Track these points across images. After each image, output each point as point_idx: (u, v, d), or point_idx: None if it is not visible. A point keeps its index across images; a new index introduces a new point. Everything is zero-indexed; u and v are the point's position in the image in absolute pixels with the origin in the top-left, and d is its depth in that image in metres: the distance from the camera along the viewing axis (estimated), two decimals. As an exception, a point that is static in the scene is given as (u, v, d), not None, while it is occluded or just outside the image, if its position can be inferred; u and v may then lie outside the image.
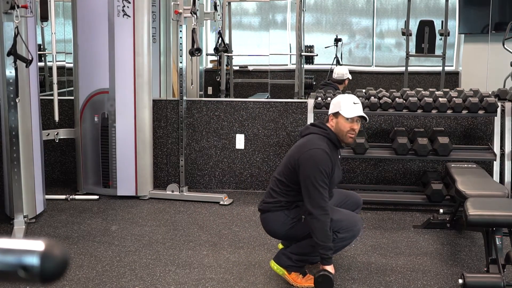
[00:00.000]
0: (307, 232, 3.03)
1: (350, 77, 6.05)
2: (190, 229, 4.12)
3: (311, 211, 2.91)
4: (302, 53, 7.00)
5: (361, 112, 3.05)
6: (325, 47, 7.42)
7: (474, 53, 7.08)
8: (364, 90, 4.90)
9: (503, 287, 2.77)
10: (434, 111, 4.52)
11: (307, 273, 3.18)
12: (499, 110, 4.53)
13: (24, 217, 4.06)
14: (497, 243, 2.97)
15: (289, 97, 6.80)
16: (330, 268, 2.93)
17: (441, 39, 6.93)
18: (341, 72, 6.06)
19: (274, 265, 3.19)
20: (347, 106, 3.03)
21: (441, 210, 4.17)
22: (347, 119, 3.03)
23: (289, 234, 3.13)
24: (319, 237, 2.91)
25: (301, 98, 6.45)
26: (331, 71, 5.91)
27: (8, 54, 3.76)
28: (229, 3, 7.39)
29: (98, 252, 3.65)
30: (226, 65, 7.39)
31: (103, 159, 4.89)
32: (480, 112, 4.50)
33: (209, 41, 7.98)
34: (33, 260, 0.76)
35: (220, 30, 5.31)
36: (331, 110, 3.09)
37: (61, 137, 5.08)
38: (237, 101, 5.17)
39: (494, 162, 4.55)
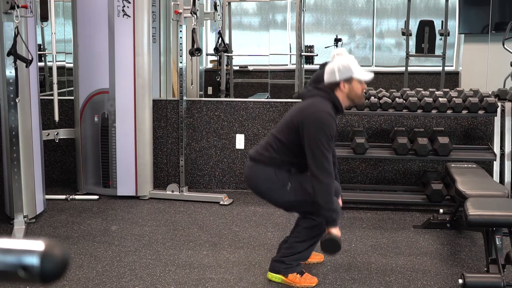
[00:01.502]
0: (283, 201, 3.04)
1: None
2: (190, 229, 4.12)
3: (315, 173, 2.89)
4: (302, 53, 6.99)
5: (371, 73, 3.04)
6: (325, 47, 7.42)
7: (474, 53, 7.08)
8: (364, 90, 4.89)
9: (503, 287, 2.77)
10: (434, 111, 4.52)
11: (304, 272, 3.19)
12: (499, 110, 4.53)
13: (24, 217, 4.06)
14: (497, 243, 2.97)
15: (289, 97, 6.79)
16: (335, 231, 2.90)
17: (441, 39, 6.93)
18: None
19: (271, 276, 3.20)
20: (357, 69, 2.99)
21: (441, 210, 4.17)
22: (361, 81, 3.01)
23: (266, 193, 3.08)
24: (323, 199, 2.88)
25: (301, 98, 6.44)
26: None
27: (8, 54, 3.76)
28: (229, 3, 7.39)
29: (98, 252, 3.65)
30: (226, 65, 7.39)
31: (103, 159, 4.89)
32: (480, 112, 4.50)
33: (209, 41, 7.97)
34: (33, 260, 0.76)
35: (220, 30, 5.30)
36: (341, 77, 2.98)
37: (61, 137, 5.08)
38: (237, 101, 5.17)
39: (494, 162, 4.55)
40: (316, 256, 3.51)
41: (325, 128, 2.88)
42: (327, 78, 3.03)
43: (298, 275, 3.16)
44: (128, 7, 4.67)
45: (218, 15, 5.08)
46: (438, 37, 7.01)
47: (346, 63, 2.99)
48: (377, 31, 8.05)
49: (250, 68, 8.06)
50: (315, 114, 2.92)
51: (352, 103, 3.10)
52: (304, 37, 7.17)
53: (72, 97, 5.09)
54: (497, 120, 4.60)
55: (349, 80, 2.99)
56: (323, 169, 2.88)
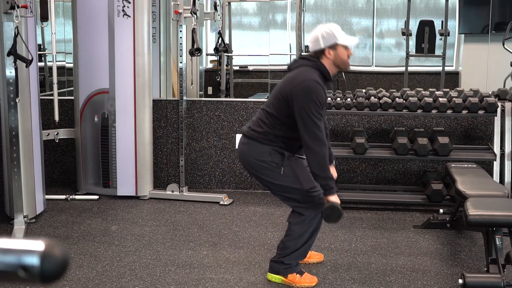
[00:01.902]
0: (273, 183, 3.03)
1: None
2: (190, 229, 4.12)
3: (308, 142, 2.88)
4: (302, 53, 6.99)
5: (355, 38, 3.05)
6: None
7: (474, 53, 7.08)
8: (364, 90, 4.90)
9: (503, 287, 2.77)
10: (434, 111, 4.52)
11: (303, 272, 3.19)
12: (499, 110, 4.53)
13: (24, 217, 4.06)
14: (497, 243, 2.97)
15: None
16: (334, 198, 2.90)
17: (441, 39, 6.93)
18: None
19: (271, 277, 3.20)
20: (342, 35, 2.98)
21: (441, 210, 4.17)
22: (346, 47, 3.00)
23: (258, 172, 3.07)
24: (318, 168, 2.88)
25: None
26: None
27: (8, 54, 3.76)
28: (229, 3, 7.39)
29: (98, 252, 3.65)
30: (226, 65, 7.38)
31: (103, 159, 4.89)
32: (480, 112, 4.50)
33: (209, 41, 7.98)
34: (33, 260, 0.76)
35: (220, 30, 5.30)
36: (325, 44, 2.96)
37: (61, 137, 5.08)
38: (237, 101, 5.17)
39: (494, 162, 4.55)
40: (316, 256, 3.51)
41: (314, 96, 2.87)
42: (312, 46, 3.02)
43: (297, 275, 3.15)
44: (128, 7, 4.67)
45: (218, 15, 5.08)
46: (438, 37, 7.01)
47: (329, 30, 2.98)
48: (377, 31, 8.05)
49: (250, 68, 8.06)
50: (303, 83, 2.90)
51: (339, 69, 3.08)
52: (304, 37, 7.17)
53: (72, 97, 5.09)
54: (497, 120, 4.60)
55: (333, 46, 2.97)
56: (315, 137, 2.87)
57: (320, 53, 2.99)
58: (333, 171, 3.28)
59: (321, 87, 2.92)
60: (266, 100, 3.17)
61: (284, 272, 3.15)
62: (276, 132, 3.01)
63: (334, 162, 3.38)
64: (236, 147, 5.12)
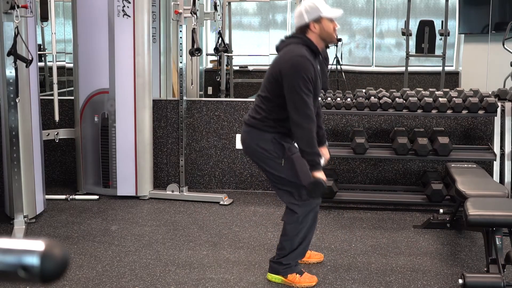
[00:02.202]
0: (273, 173, 3.02)
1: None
2: (190, 229, 4.12)
3: (295, 119, 2.87)
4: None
5: (339, 10, 3.00)
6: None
7: (474, 53, 7.08)
8: (364, 90, 4.90)
9: (503, 287, 2.77)
10: (434, 111, 4.52)
11: (303, 271, 3.19)
12: (499, 110, 4.53)
13: (24, 217, 4.06)
14: (497, 243, 2.97)
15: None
16: (320, 174, 2.89)
17: (441, 39, 6.93)
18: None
19: (271, 277, 3.20)
20: (325, 7, 2.97)
21: (441, 210, 4.17)
22: (330, 19, 2.97)
23: (260, 159, 3.05)
24: (305, 144, 2.87)
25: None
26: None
27: (8, 54, 3.76)
28: (229, 3, 7.39)
29: (98, 252, 3.65)
30: (226, 65, 7.39)
31: (103, 159, 4.89)
32: (480, 112, 4.50)
33: (209, 41, 7.98)
34: (33, 260, 0.76)
35: (220, 30, 5.31)
36: (309, 18, 2.94)
37: (61, 137, 5.08)
38: (237, 101, 5.17)
39: (494, 162, 4.55)
40: (316, 256, 3.51)
41: (302, 72, 2.84)
42: (296, 22, 3.00)
43: (297, 275, 3.15)
44: (128, 7, 4.67)
45: (218, 15, 5.08)
46: (438, 37, 7.01)
47: (312, 4, 2.97)
48: (377, 31, 8.05)
49: (250, 68, 8.06)
50: (290, 60, 2.89)
51: (326, 42, 3.05)
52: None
53: (72, 97, 5.09)
54: (497, 120, 4.60)
55: (318, 20, 2.95)
56: (303, 114, 2.86)
57: (305, 28, 2.98)
58: (326, 152, 3.27)
59: (310, 62, 2.89)
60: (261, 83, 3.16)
61: (284, 272, 3.16)
62: (274, 116, 2.99)
63: (326, 143, 3.34)
64: (236, 147, 5.13)
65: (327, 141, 4.95)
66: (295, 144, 3.05)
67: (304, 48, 2.93)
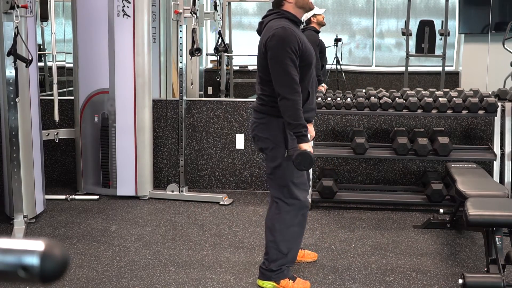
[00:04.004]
0: (274, 160, 2.96)
1: (319, 12, 5.18)
2: (190, 229, 4.12)
3: (280, 91, 2.82)
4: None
5: None
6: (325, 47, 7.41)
7: (474, 53, 7.09)
8: (364, 90, 4.90)
9: (503, 287, 2.77)
10: (434, 111, 4.52)
11: (296, 277, 3.14)
12: (499, 110, 4.53)
13: (24, 217, 4.06)
14: (497, 243, 2.97)
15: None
16: (307, 146, 2.83)
17: (441, 39, 6.93)
18: None
19: (261, 283, 3.14)
20: None
21: (441, 210, 4.17)
22: None
23: (265, 146, 2.99)
24: (290, 116, 2.81)
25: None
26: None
27: (8, 54, 3.76)
28: (229, 3, 7.39)
29: (98, 252, 3.65)
30: (226, 65, 7.39)
31: (103, 159, 4.89)
32: (480, 112, 4.50)
33: (209, 41, 7.98)
34: (33, 260, 0.76)
35: (220, 30, 5.30)
36: None
37: (61, 137, 5.08)
38: (237, 101, 5.17)
39: (494, 162, 4.55)
40: (310, 255, 3.50)
41: (285, 44, 2.80)
42: None
43: (290, 280, 3.10)
44: (128, 7, 4.67)
45: (218, 15, 5.08)
46: (438, 37, 7.01)
47: None
48: (377, 31, 8.05)
49: (250, 68, 8.06)
50: (272, 33, 2.85)
51: (305, 10, 3.02)
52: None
53: (72, 97, 5.09)
54: (497, 120, 4.60)
55: None
56: (288, 86, 2.81)
57: (281, 1, 2.96)
58: (311, 129, 3.23)
59: (292, 31, 2.84)
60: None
61: (276, 277, 3.09)
62: (275, 97, 2.91)
63: (313, 121, 3.28)
64: (236, 147, 5.12)
65: (327, 141, 4.98)
66: None
67: (284, 20, 2.90)
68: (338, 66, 7.60)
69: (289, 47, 2.80)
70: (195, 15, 4.59)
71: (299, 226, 3.09)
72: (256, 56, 3.05)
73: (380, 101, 4.57)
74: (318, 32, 5.15)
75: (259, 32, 3.03)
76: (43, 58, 6.16)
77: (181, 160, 4.92)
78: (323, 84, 5.29)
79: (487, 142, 4.87)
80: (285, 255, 3.07)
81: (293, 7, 2.95)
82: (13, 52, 3.75)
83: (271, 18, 2.96)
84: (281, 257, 3.07)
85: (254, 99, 3.12)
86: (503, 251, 2.97)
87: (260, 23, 3.04)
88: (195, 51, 4.62)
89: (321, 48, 5.19)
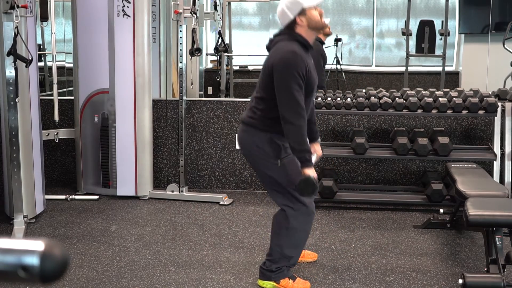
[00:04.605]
0: (267, 174, 2.98)
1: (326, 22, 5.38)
2: (190, 229, 4.12)
3: (285, 116, 2.82)
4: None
5: None
6: (325, 47, 7.42)
7: (474, 53, 7.09)
8: (364, 90, 4.90)
9: (503, 287, 2.77)
10: (434, 111, 4.52)
11: (296, 277, 3.14)
12: (499, 110, 4.53)
13: (24, 217, 4.06)
14: (497, 243, 2.97)
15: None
16: (311, 172, 2.84)
17: (441, 39, 6.94)
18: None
19: (262, 283, 3.14)
20: None
21: (441, 210, 4.17)
22: (315, 8, 2.92)
23: (255, 159, 3.02)
24: (295, 141, 2.83)
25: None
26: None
27: (8, 54, 3.76)
28: (229, 3, 7.39)
29: (98, 252, 3.65)
30: (226, 65, 7.39)
31: (103, 159, 4.89)
32: (480, 112, 4.50)
33: (209, 41, 7.98)
34: (33, 260, 0.76)
35: (220, 30, 5.30)
36: (293, 13, 2.89)
37: (61, 137, 5.08)
38: (237, 101, 5.17)
39: (494, 162, 4.55)
40: (310, 255, 3.50)
41: (293, 68, 2.80)
42: (282, 21, 2.96)
43: (290, 280, 3.10)
44: (128, 7, 4.67)
45: (218, 15, 5.08)
46: (438, 37, 7.01)
47: None
48: (377, 31, 8.05)
49: (250, 68, 8.07)
50: (281, 56, 2.84)
51: (317, 31, 3.00)
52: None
53: (72, 97, 5.09)
54: (497, 120, 4.60)
55: (302, 12, 2.90)
56: (293, 111, 2.81)
57: (293, 24, 2.93)
58: (318, 149, 3.24)
59: (301, 57, 2.84)
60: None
61: (276, 277, 3.10)
62: (270, 115, 2.94)
63: (319, 140, 3.30)
64: (237, 147, 5.12)
65: (327, 141, 4.98)
66: None
67: (295, 44, 2.89)
68: (338, 66, 7.60)
69: (297, 71, 2.80)
70: (195, 15, 4.59)
71: (305, 232, 3.11)
72: (260, 72, 3.05)
73: (380, 101, 4.57)
74: (323, 43, 5.23)
75: (268, 48, 3.03)
76: (43, 58, 6.16)
77: (181, 160, 4.92)
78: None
79: (487, 142, 4.87)
80: (288, 259, 3.09)
81: (306, 30, 2.93)
82: (13, 52, 3.75)
83: (282, 38, 2.94)
84: (284, 260, 3.09)
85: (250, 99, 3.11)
86: (503, 251, 2.97)
87: (271, 40, 3.03)
88: (195, 51, 4.62)
89: (323, 58, 5.29)
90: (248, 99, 5.32)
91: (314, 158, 3.05)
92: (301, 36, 2.91)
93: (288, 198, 3.01)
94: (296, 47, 2.86)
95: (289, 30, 2.93)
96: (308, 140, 2.94)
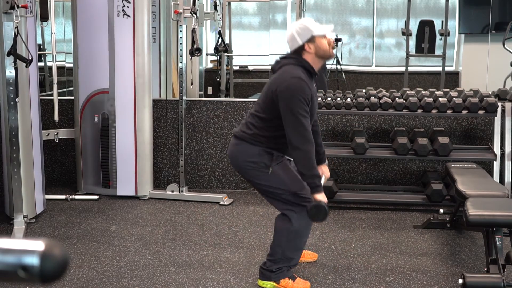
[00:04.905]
0: (261, 184, 3.01)
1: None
2: (190, 229, 4.12)
3: (293, 141, 2.86)
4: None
5: (330, 25, 3.00)
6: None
7: (474, 53, 7.08)
8: (364, 90, 4.90)
9: (503, 287, 2.77)
10: (434, 111, 4.52)
11: (296, 276, 3.15)
12: (499, 110, 4.53)
13: (24, 217, 4.06)
14: (497, 243, 2.97)
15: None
16: (321, 197, 2.87)
17: (441, 39, 6.93)
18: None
19: (262, 283, 3.15)
20: (316, 26, 2.95)
21: (441, 210, 4.17)
22: (323, 36, 2.95)
23: (247, 172, 3.05)
24: (304, 166, 2.86)
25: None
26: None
27: (8, 54, 3.76)
28: (229, 3, 7.39)
29: (98, 252, 3.65)
30: (226, 65, 7.39)
31: (103, 159, 4.89)
32: (480, 112, 4.50)
33: (209, 41, 7.98)
34: (33, 260, 0.76)
35: (220, 30, 5.30)
36: (303, 39, 2.93)
37: (61, 137, 5.08)
38: (237, 101, 5.17)
39: (494, 162, 4.55)
40: (310, 255, 3.50)
41: (298, 94, 2.83)
42: (290, 46, 2.99)
43: (290, 280, 3.11)
44: (128, 7, 4.67)
45: (218, 15, 5.08)
46: (438, 37, 7.01)
47: (302, 25, 2.96)
48: (377, 31, 8.05)
49: (250, 68, 8.06)
50: (286, 82, 2.87)
51: (324, 60, 3.04)
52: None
53: (72, 97, 5.09)
54: (497, 120, 4.60)
55: (311, 39, 2.93)
56: (301, 136, 2.84)
57: (300, 49, 2.96)
58: (326, 170, 3.28)
59: (306, 83, 2.87)
60: (255, 102, 3.16)
61: (276, 277, 3.10)
62: (265, 133, 2.99)
63: (326, 161, 3.35)
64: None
65: (327, 141, 4.98)
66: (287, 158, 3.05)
67: (300, 69, 2.92)
68: (338, 66, 7.60)
69: (302, 97, 2.84)
70: (195, 15, 4.59)
71: (306, 234, 3.14)
72: (262, 93, 3.06)
73: (380, 101, 4.57)
74: None
75: (273, 70, 3.05)
76: (43, 58, 6.16)
77: (181, 160, 4.92)
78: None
79: (487, 142, 4.87)
80: (289, 260, 3.11)
81: (312, 57, 2.96)
82: (13, 52, 3.75)
83: (288, 62, 2.97)
84: (285, 261, 3.10)
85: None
86: (503, 251, 2.97)
87: (277, 62, 3.05)
88: (195, 51, 4.62)
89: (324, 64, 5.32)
90: (248, 99, 5.35)
91: (322, 180, 3.08)
92: (308, 62, 2.95)
93: (288, 203, 3.02)
94: (301, 73, 2.90)
95: (296, 55, 2.97)
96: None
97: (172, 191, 4.88)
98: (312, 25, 2.95)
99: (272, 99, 2.92)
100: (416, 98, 4.55)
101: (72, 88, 5.21)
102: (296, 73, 2.89)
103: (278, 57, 3.08)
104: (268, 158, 2.99)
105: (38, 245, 0.77)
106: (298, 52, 2.97)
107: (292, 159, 3.02)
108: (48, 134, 4.93)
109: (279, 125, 2.94)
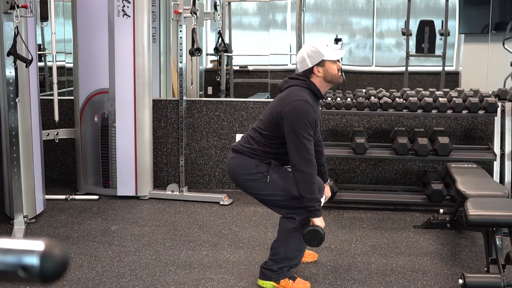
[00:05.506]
0: (261, 194, 3.03)
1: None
2: (190, 229, 4.12)
3: (295, 163, 2.87)
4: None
5: (341, 51, 3.01)
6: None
7: (474, 53, 7.08)
8: (364, 90, 4.90)
9: (503, 287, 2.77)
10: (434, 111, 4.52)
11: (296, 277, 3.15)
12: (499, 110, 4.53)
13: (24, 217, 4.06)
14: (497, 243, 2.97)
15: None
16: (319, 221, 2.87)
17: (441, 39, 6.93)
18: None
19: (262, 283, 3.15)
20: (327, 50, 2.95)
21: (441, 210, 4.17)
22: (333, 61, 2.97)
23: (245, 184, 3.06)
24: (305, 189, 2.86)
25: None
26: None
27: (8, 54, 3.76)
28: (229, 3, 7.39)
29: (98, 252, 3.65)
30: (226, 65, 7.39)
31: (103, 159, 4.89)
32: (480, 112, 4.50)
33: (209, 41, 7.97)
34: (33, 260, 0.76)
35: (220, 30, 5.30)
36: (312, 62, 2.95)
37: (61, 137, 5.08)
38: (237, 101, 5.17)
39: (494, 162, 4.55)
40: (310, 256, 3.50)
41: (303, 117, 2.84)
42: (300, 67, 3.01)
43: (290, 280, 3.11)
44: (128, 7, 4.67)
45: (218, 15, 5.08)
46: (438, 37, 7.01)
47: (314, 48, 2.96)
48: (377, 31, 8.04)
49: (250, 68, 8.06)
50: (292, 103, 2.88)
51: (331, 84, 3.05)
52: (304, 37, 7.17)
53: (72, 97, 5.09)
54: (497, 120, 4.60)
55: (321, 63, 2.95)
56: (304, 158, 2.85)
57: (309, 72, 2.98)
58: (327, 190, 3.30)
59: (311, 106, 2.89)
60: (257, 120, 3.18)
61: (276, 277, 3.10)
62: (265, 149, 3.01)
63: (328, 181, 3.36)
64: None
65: (327, 141, 4.98)
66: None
67: (307, 92, 2.94)
68: (338, 66, 7.59)
69: (307, 120, 2.85)
70: (195, 15, 4.59)
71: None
72: (267, 110, 3.07)
73: (380, 101, 4.57)
74: None
75: (280, 89, 3.06)
76: (43, 58, 6.16)
77: (181, 160, 4.92)
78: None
79: (487, 142, 4.87)
80: (291, 260, 3.11)
81: (320, 81, 2.98)
82: (13, 52, 3.75)
83: (296, 83, 2.99)
84: (287, 261, 3.10)
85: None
86: (503, 251, 2.97)
87: (285, 81, 3.06)
88: (195, 51, 4.62)
89: None
90: (248, 99, 5.35)
91: (323, 200, 3.08)
92: (315, 85, 2.97)
93: (291, 208, 3.03)
94: (307, 95, 2.92)
95: (304, 77, 2.99)
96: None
97: (172, 191, 4.88)
98: (323, 49, 2.95)
99: (277, 119, 2.94)
100: (416, 98, 4.55)
101: (72, 88, 5.21)
102: (303, 96, 2.90)
103: (287, 77, 3.09)
104: (266, 167, 3.01)
105: (38, 245, 0.77)
106: (306, 74, 2.99)
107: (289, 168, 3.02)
108: (48, 134, 4.93)
109: (280, 142, 2.96)
